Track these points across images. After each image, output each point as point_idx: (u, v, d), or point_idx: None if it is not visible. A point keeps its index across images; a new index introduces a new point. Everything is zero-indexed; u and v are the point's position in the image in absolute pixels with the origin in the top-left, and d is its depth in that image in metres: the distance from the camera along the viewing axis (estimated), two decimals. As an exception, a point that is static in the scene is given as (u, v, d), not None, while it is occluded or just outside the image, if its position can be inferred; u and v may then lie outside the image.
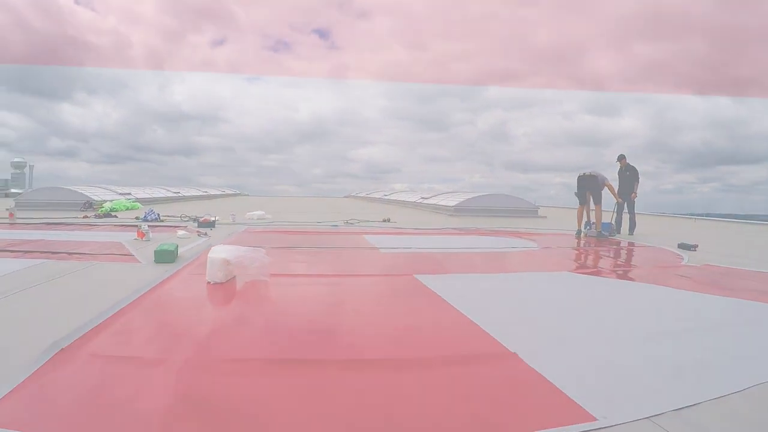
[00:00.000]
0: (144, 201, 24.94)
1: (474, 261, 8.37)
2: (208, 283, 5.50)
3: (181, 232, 10.26)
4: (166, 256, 6.83)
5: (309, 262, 7.72)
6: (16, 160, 43.62)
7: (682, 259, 8.56)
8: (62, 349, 3.28)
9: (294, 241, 10.19)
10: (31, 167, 43.44)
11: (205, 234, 10.64)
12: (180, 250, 7.50)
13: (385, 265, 7.66)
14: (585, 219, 12.78)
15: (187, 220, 14.25)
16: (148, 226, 10.23)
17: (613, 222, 12.80)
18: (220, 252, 5.63)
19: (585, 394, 2.71)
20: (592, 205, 12.45)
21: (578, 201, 12.67)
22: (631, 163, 13.28)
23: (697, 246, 9.78)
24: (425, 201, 27.19)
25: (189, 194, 37.55)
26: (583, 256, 9.51)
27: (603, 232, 12.19)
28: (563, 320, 4.46)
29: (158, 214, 14.97)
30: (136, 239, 9.30)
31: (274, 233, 11.73)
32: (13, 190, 35.12)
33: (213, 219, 13.09)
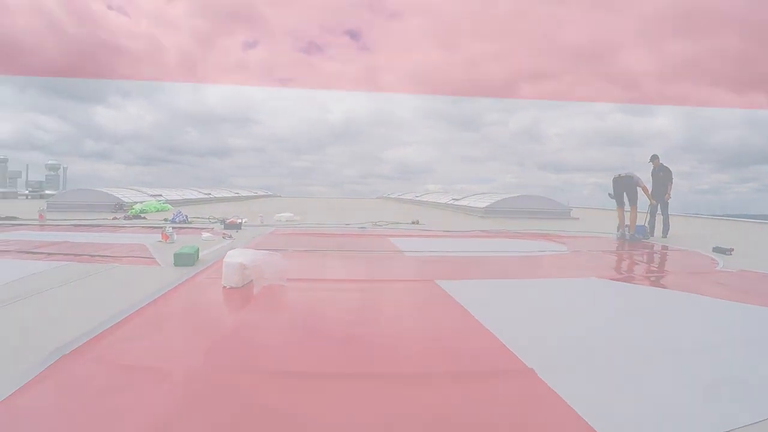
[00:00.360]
0: (175, 202, 25.21)
1: (499, 266, 8.09)
2: (224, 287, 5.37)
3: (205, 235, 10.23)
4: (185, 260, 6.75)
5: (330, 266, 7.57)
6: (50, 162, 44.76)
7: (717, 263, 8.12)
8: (65, 354, 3.19)
9: (318, 243, 10.07)
10: (65, 169, 44.51)
11: (230, 236, 10.57)
12: (202, 253, 7.43)
13: (407, 269, 7.47)
14: (617, 222, 12.39)
15: (215, 222, 14.26)
16: (172, 228, 10.20)
17: (646, 224, 12.35)
18: (236, 256, 5.51)
19: (605, 419, 2.44)
20: (626, 207, 12.06)
21: (615, 203, 12.27)
22: (664, 164, 12.80)
23: (732, 250, 9.30)
24: (456, 202, 26.88)
25: (220, 195, 37.90)
26: (613, 260, 9.15)
27: (636, 235, 11.78)
28: (587, 332, 4.17)
29: (186, 216, 15.02)
30: (160, 241, 9.29)
31: (300, 235, 11.64)
32: (47, 192, 35.98)
33: (240, 221, 13.06)
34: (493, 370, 3.22)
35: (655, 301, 5.74)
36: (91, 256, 7.56)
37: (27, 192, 39.38)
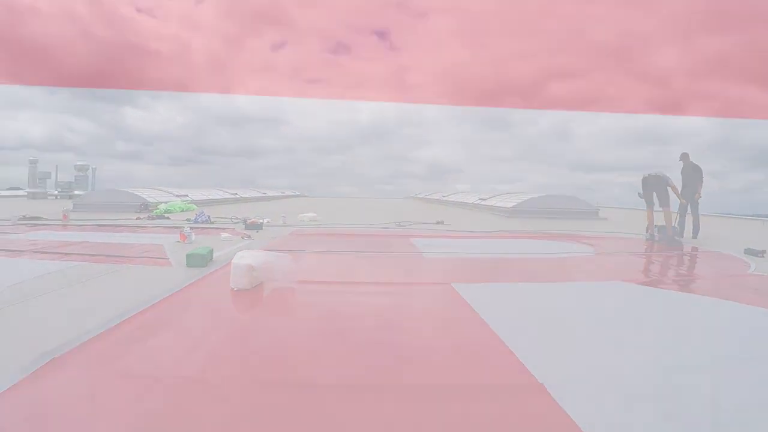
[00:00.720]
0: (201, 203, 25.31)
1: (520, 268, 7.75)
2: (233, 290, 5.20)
3: (224, 235, 10.15)
4: (197, 260, 6.62)
5: (344, 267, 7.37)
6: (78, 163, 45.21)
7: (749, 266, 7.68)
8: (54, 358, 3.07)
9: (337, 244, 9.89)
10: (94, 170, 44.94)
11: (249, 236, 10.46)
12: (217, 254, 7.30)
13: (424, 271, 7.23)
14: (647, 222, 11.94)
15: (237, 222, 14.20)
16: (191, 228, 10.12)
17: (676, 225, 11.83)
18: (244, 258, 5.34)
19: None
20: (656, 207, 11.60)
21: (645, 203, 11.80)
22: (694, 162, 12.27)
23: (765, 252, 8.82)
24: (483, 202, 26.51)
25: (247, 196, 38.00)
26: (639, 263, 8.76)
27: (676, 237, 11.29)
28: (607, 342, 3.84)
29: (208, 216, 15.00)
30: (178, 242, 9.20)
31: (320, 236, 11.49)
32: (76, 192, 36.60)
33: (261, 221, 12.96)
34: (502, 385, 2.94)
35: (684, 308, 5.36)
36: (106, 256, 7.50)
37: (56, 192, 40.04)
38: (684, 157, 12.30)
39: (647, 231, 11.86)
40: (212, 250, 7.18)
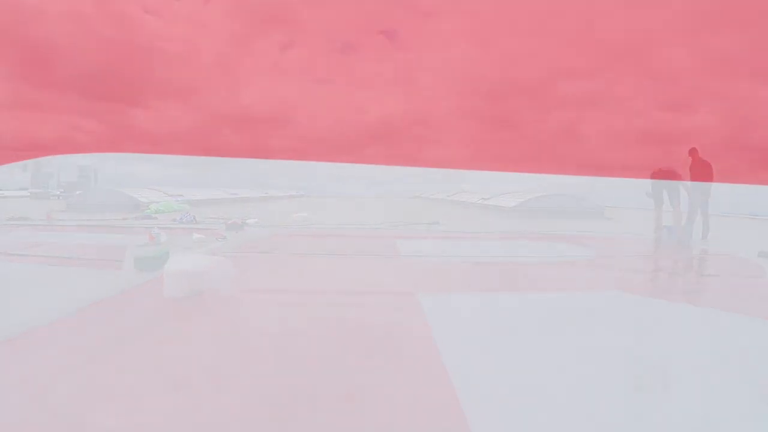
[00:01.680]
0: (200, 203, 24.88)
1: (506, 274, 7.18)
2: (166, 298, 4.71)
3: (196, 236, 9.71)
4: (147, 263, 6.16)
5: (306, 273, 6.88)
6: (82, 163, 45.29)
7: (765, 272, 7.05)
8: None
9: (315, 245, 9.45)
10: (96, 170, 44.84)
11: (224, 237, 10.00)
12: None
13: (391, 278, 6.67)
14: (654, 223, 11.30)
15: (221, 223, 13.76)
16: (159, 228, 9.67)
17: (684, 225, 11.16)
18: (179, 263, 4.87)
19: None
20: (666, 206, 10.94)
21: (654, 202, 11.13)
22: (704, 158, 11.59)
23: None
24: (485, 201, 25.92)
25: (249, 196, 37.49)
26: (644, 267, 8.18)
27: (684, 240, 10.66)
28: (593, 377, 3.04)
29: (194, 217, 14.57)
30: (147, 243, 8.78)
31: (302, 236, 11.04)
32: (78, 192, 36.62)
33: (242, 222, 12.50)
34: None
35: (690, 324, 4.57)
36: (60, 258, 7.13)
37: (59, 193, 40.08)
38: (692, 152, 11.62)
39: (655, 232, 11.24)
40: (168, 252, 6.71)
